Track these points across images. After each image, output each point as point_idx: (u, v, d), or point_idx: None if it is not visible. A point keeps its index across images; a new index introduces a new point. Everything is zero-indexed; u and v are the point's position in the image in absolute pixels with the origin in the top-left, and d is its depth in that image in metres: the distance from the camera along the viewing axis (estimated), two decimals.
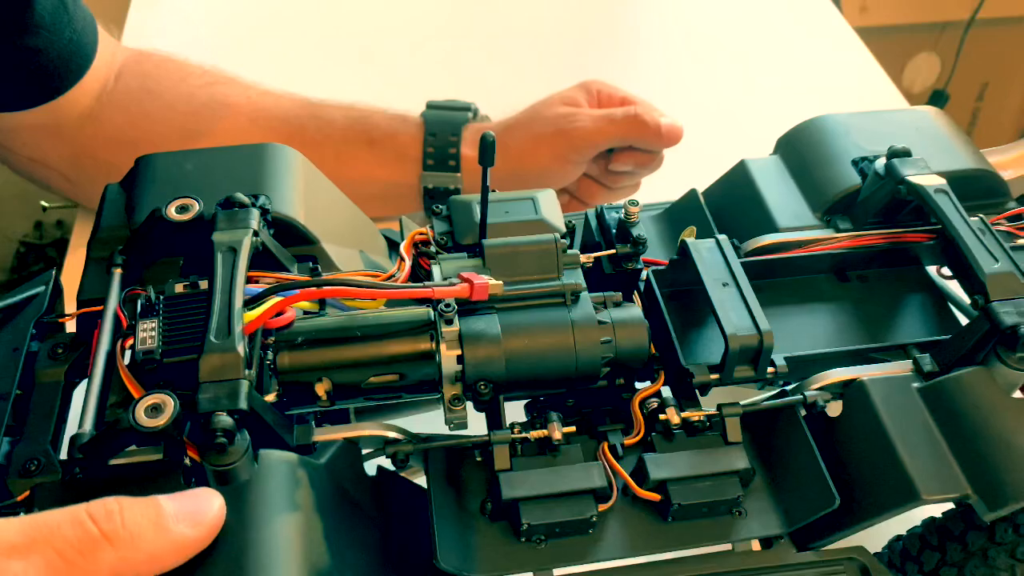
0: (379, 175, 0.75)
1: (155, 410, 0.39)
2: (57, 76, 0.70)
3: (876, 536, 0.47)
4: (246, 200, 0.49)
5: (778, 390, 0.50)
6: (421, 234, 0.53)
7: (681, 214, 0.60)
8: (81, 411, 0.43)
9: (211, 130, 0.74)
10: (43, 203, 1.27)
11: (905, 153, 0.54)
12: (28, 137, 0.73)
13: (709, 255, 0.50)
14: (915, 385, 0.47)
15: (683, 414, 0.46)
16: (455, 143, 0.74)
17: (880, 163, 0.55)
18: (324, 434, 0.45)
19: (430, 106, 0.77)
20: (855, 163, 0.57)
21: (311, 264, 0.51)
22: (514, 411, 0.49)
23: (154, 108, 0.75)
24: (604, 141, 0.72)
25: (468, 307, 0.46)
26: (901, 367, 0.49)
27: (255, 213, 0.48)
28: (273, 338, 0.45)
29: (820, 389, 0.48)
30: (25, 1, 0.64)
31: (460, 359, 0.45)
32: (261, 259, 0.48)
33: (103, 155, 0.73)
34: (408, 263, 0.51)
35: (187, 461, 0.40)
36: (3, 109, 0.70)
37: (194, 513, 0.37)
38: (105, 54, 0.74)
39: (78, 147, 0.74)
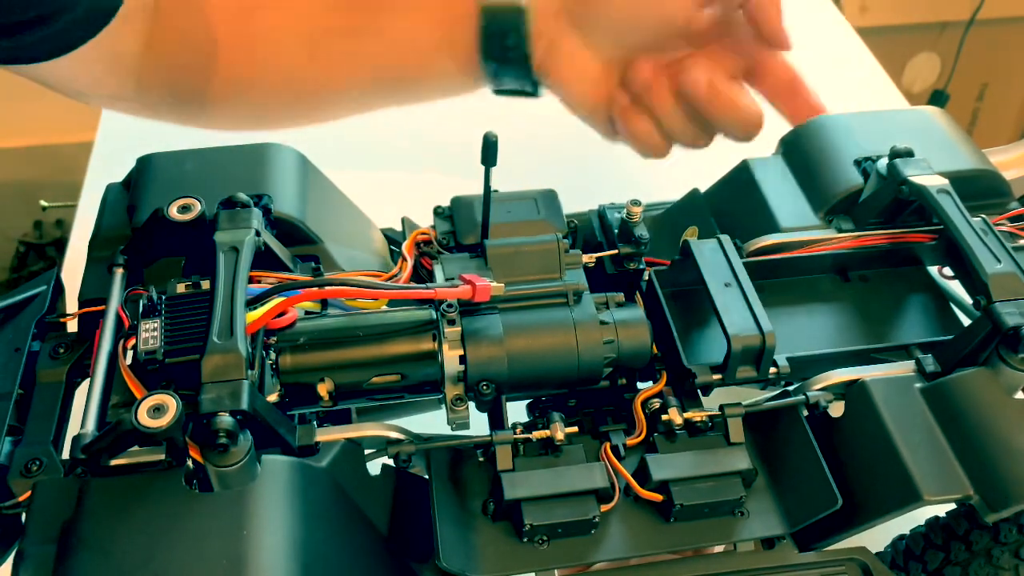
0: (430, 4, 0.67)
1: (157, 411, 0.39)
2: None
3: (878, 536, 0.47)
4: (248, 200, 0.49)
5: (780, 390, 0.50)
6: (423, 234, 0.53)
7: (683, 214, 0.60)
8: (83, 411, 0.43)
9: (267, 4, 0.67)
10: (43, 203, 1.28)
11: (907, 153, 0.54)
12: (91, 73, 0.66)
13: (711, 255, 0.50)
14: (917, 386, 0.47)
15: (685, 414, 0.46)
16: None
17: (882, 163, 0.55)
18: (326, 434, 0.44)
19: None
20: (857, 163, 0.57)
21: (313, 264, 0.51)
22: (516, 411, 0.49)
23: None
24: None
25: (470, 307, 0.46)
26: (903, 368, 0.48)
27: (257, 213, 0.48)
28: (275, 338, 0.45)
29: (822, 389, 0.48)
30: None
31: (463, 359, 0.45)
32: (263, 259, 0.48)
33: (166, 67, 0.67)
34: (410, 263, 0.51)
35: (189, 462, 0.40)
36: (52, 55, 0.62)
37: None
38: None
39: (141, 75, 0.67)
